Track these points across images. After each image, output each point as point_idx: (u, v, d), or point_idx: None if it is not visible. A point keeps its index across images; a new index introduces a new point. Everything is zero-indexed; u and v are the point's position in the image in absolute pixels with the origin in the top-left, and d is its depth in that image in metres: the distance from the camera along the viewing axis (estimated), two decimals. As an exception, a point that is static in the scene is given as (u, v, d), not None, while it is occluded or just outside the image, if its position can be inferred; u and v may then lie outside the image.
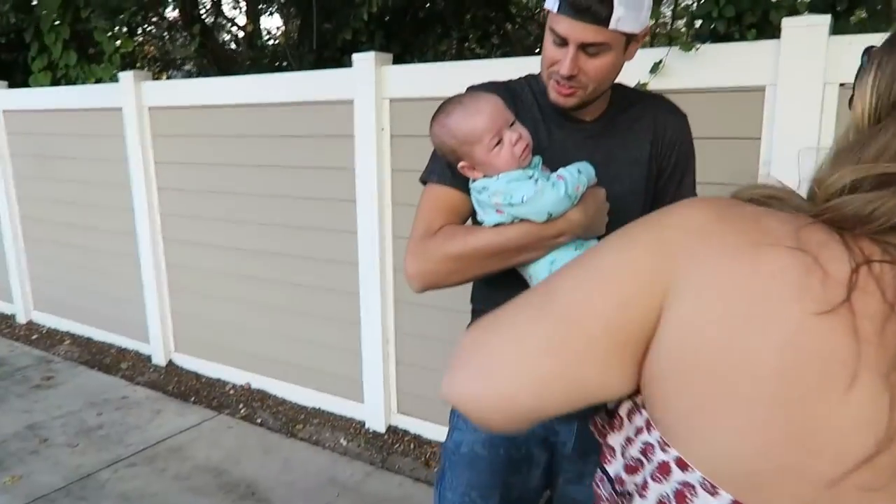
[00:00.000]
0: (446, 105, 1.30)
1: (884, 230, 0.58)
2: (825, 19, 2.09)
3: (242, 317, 3.98)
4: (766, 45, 2.22)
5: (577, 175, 1.23)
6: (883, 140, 0.62)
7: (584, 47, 1.25)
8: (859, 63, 0.72)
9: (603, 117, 1.41)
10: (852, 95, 0.72)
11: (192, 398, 3.95)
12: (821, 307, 0.54)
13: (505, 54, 3.76)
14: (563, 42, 1.26)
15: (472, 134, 1.25)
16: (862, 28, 2.26)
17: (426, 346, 3.29)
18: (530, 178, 1.25)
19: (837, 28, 2.11)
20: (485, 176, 1.27)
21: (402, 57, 3.39)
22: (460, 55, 3.69)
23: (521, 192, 1.21)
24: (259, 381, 4.00)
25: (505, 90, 1.40)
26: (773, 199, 0.66)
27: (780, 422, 0.55)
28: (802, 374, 0.54)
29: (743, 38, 2.28)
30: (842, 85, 2.13)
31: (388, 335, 3.40)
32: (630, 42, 1.28)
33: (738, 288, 0.57)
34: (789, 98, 2.19)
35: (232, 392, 4.01)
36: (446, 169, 1.33)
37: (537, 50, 4.08)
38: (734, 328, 0.56)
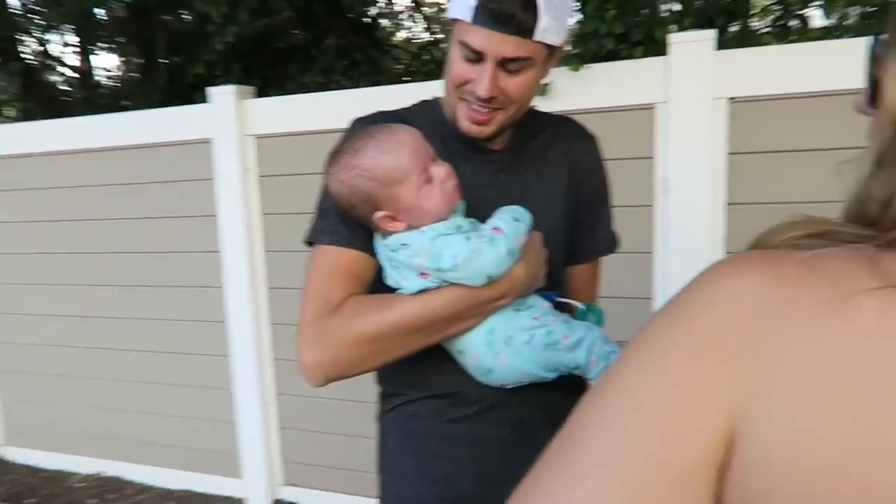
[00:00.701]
0: (351, 143, 1.04)
1: None
2: (711, 34, 2.07)
3: (87, 394, 3.41)
4: (655, 62, 2.16)
5: (516, 224, 1.01)
6: None
7: (503, 63, 1.05)
8: (870, 54, 0.61)
9: (512, 146, 1.20)
10: (872, 93, 0.59)
11: (29, 499, 3.31)
12: None
13: (375, 83, 3.56)
14: (477, 57, 1.05)
15: (397, 172, 1.00)
16: (743, 42, 2.27)
17: (314, 406, 2.94)
18: (458, 228, 1.02)
19: (721, 43, 2.08)
20: (407, 228, 1.02)
21: (263, 91, 3.09)
22: (326, 87, 3.45)
23: (451, 251, 0.97)
24: (113, 468, 3.43)
25: (395, 120, 1.15)
26: (814, 238, 0.52)
27: None
28: None
29: (630, 55, 2.21)
30: (731, 99, 2.10)
31: (268, 398, 3.01)
32: (551, 56, 1.10)
33: (844, 365, 0.44)
34: (681, 114, 2.13)
35: (80, 485, 3.40)
36: (339, 225, 1.08)
37: (405, 78, 3.92)
38: (860, 417, 0.43)
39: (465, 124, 1.11)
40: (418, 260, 0.98)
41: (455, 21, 1.07)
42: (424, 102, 1.24)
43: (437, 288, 1.00)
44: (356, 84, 3.52)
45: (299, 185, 2.74)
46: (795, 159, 2.09)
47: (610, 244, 1.33)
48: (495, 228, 1.00)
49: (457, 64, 1.08)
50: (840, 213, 0.56)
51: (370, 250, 1.08)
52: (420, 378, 1.16)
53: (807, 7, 2.48)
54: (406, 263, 1.00)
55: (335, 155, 1.05)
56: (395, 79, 3.70)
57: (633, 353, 0.53)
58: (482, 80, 1.05)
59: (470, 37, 1.04)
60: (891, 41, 0.55)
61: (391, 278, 1.05)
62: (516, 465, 1.12)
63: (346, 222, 1.07)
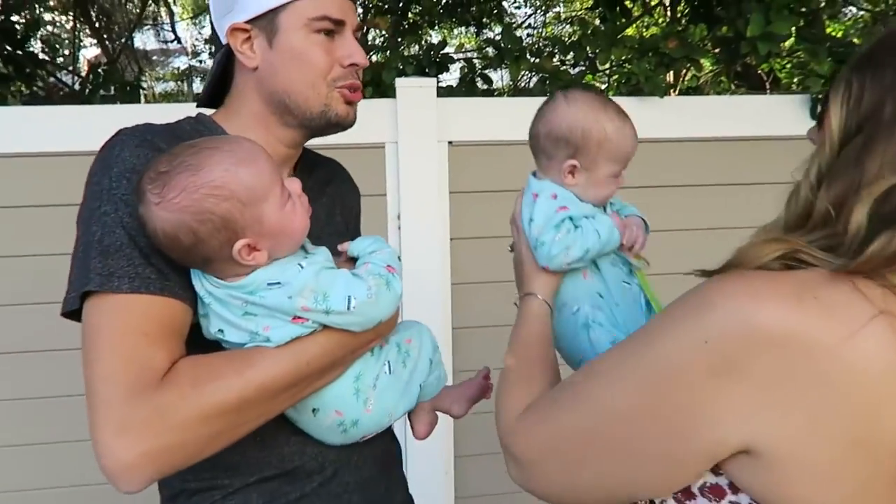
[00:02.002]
0: (178, 159, 0.82)
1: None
2: (432, 82, 2.25)
3: None
4: (384, 103, 2.26)
5: (399, 263, 0.95)
6: (875, 153, 0.64)
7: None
8: (823, 97, 0.76)
9: (296, 175, 1.11)
10: (821, 117, 0.74)
11: None
12: None
13: (29, 103, 2.98)
14: (338, 29, 0.99)
15: (260, 186, 0.83)
16: (450, 93, 2.52)
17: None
18: (330, 261, 0.92)
19: (437, 91, 2.28)
20: (269, 260, 0.86)
21: None
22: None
23: (341, 290, 0.85)
24: None
25: (173, 137, 0.96)
26: (788, 259, 0.66)
27: None
28: None
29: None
30: (450, 143, 2.31)
31: None
32: None
33: (844, 399, 0.58)
34: (409, 154, 2.27)
35: None
36: (144, 266, 0.84)
37: (75, 88, 3.29)
38: (850, 445, 0.59)
39: (344, 108, 1.03)
40: (301, 301, 0.83)
41: (276, 12, 0.96)
42: (194, 120, 1.05)
43: (311, 334, 0.86)
44: (3, 103, 2.90)
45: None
46: (504, 199, 2.38)
47: None
48: (389, 266, 0.91)
49: (316, 49, 0.98)
50: (783, 220, 0.70)
51: (188, 297, 0.87)
52: (241, 460, 0.96)
53: (490, 69, 2.86)
54: (276, 307, 0.84)
55: (152, 177, 0.82)
56: (65, 98, 3.13)
57: (649, 366, 0.66)
58: (356, 48, 1.00)
59: (327, 7, 0.97)
60: (843, 76, 0.70)
61: (238, 333, 0.86)
62: None
63: (153, 262, 0.85)
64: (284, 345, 0.84)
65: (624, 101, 2.44)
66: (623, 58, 2.52)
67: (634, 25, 4.66)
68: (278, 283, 0.84)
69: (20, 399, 2.22)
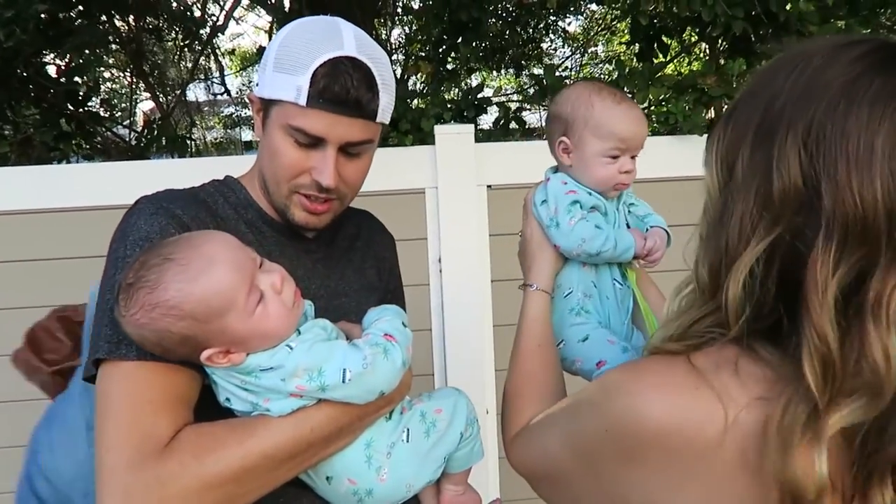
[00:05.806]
0: (143, 271, 0.81)
1: None
2: (470, 128, 2.29)
3: None
4: (424, 150, 2.31)
5: (405, 331, 0.92)
6: (734, 218, 0.62)
7: (345, 147, 0.97)
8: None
9: (323, 234, 1.11)
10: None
11: None
12: None
13: (90, 157, 3.14)
14: (315, 143, 0.95)
15: (216, 301, 0.80)
16: (500, 137, 2.56)
17: None
18: (330, 333, 0.91)
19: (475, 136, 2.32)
20: (250, 354, 0.85)
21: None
22: (25, 157, 2.88)
23: (335, 363, 0.84)
24: None
25: (190, 201, 0.99)
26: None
27: None
28: None
29: (400, 143, 2.34)
30: (489, 187, 2.33)
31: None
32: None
33: (738, 472, 0.62)
34: (449, 199, 2.30)
35: None
36: None
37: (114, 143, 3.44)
38: (757, 495, 0.63)
39: (302, 216, 1.01)
40: (295, 381, 0.83)
41: (272, 102, 0.96)
42: (218, 182, 1.07)
43: (314, 404, 0.85)
44: (64, 157, 3.06)
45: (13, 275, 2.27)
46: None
47: None
48: (388, 335, 0.89)
49: (287, 153, 0.96)
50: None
51: (196, 364, 0.86)
52: None
53: (525, 110, 2.90)
54: (272, 388, 0.84)
55: (123, 287, 0.82)
56: (122, 153, 3.30)
57: (576, 439, 0.75)
58: (326, 168, 0.95)
59: (305, 121, 0.93)
60: (710, 137, 0.68)
61: (241, 402, 0.86)
62: None
63: None
64: (287, 416, 0.84)
65: (663, 140, 2.46)
66: (661, 97, 2.52)
67: (673, 63, 4.66)
68: (271, 367, 0.84)
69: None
